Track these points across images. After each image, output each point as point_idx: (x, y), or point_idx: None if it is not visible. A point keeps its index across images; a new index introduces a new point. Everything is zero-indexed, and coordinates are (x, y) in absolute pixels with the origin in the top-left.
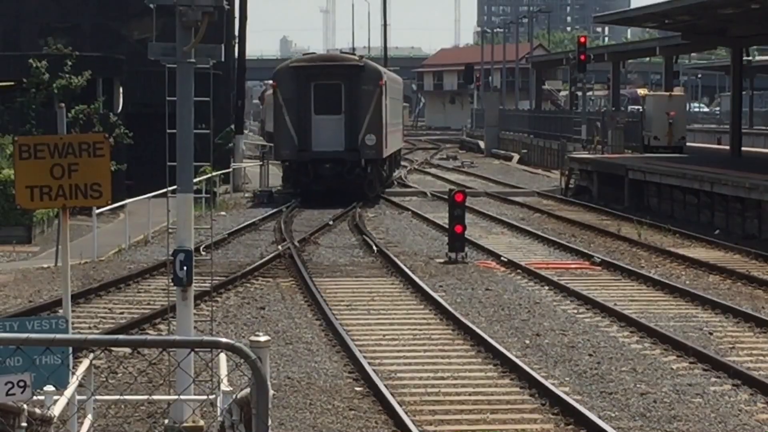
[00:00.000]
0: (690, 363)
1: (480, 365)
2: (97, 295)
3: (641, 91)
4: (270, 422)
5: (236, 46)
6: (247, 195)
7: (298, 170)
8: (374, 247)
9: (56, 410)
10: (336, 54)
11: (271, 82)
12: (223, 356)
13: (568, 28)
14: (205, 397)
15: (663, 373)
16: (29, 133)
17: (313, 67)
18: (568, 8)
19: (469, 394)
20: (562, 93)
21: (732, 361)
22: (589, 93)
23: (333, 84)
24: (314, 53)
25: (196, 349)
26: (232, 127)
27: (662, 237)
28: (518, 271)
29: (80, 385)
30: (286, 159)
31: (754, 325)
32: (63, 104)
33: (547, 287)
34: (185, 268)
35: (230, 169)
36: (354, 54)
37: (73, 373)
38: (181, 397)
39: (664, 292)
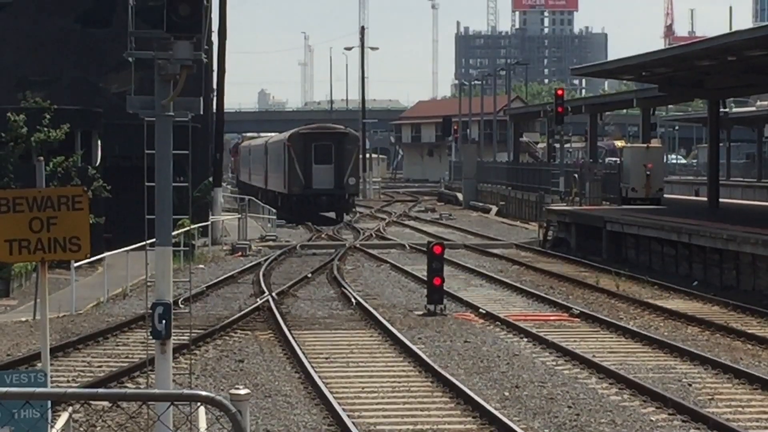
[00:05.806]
0: (669, 414)
1: (459, 417)
2: (76, 349)
3: (619, 143)
4: None
5: (215, 99)
6: (225, 248)
7: (304, 201)
8: (353, 300)
9: None
10: (330, 125)
11: (246, 134)
12: (202, 409)
13: (546, 80)
14: None
15: (642, 425)
16: (7, 187)
17: (314, 133)
18: (546, 61)
19: None
20: (540, 145)
21: (711, 412)
22: (567, 145)
23: (327, 144)
24: (316, 125)
25: (176, 403)
26: (211, 179)
27: (640, 288)
28: (497, 323)
29: None
30: (296, 194)
31: (733, 377)
32: (41, 158)
33: (525, 339)
34: (164, 321)
35: (209, 222)
36: (340, 126)
37: (52, 427)
38: None
39: (643, 343)
